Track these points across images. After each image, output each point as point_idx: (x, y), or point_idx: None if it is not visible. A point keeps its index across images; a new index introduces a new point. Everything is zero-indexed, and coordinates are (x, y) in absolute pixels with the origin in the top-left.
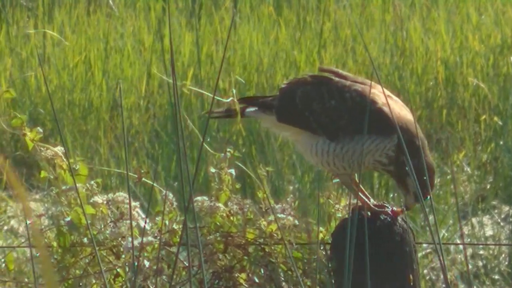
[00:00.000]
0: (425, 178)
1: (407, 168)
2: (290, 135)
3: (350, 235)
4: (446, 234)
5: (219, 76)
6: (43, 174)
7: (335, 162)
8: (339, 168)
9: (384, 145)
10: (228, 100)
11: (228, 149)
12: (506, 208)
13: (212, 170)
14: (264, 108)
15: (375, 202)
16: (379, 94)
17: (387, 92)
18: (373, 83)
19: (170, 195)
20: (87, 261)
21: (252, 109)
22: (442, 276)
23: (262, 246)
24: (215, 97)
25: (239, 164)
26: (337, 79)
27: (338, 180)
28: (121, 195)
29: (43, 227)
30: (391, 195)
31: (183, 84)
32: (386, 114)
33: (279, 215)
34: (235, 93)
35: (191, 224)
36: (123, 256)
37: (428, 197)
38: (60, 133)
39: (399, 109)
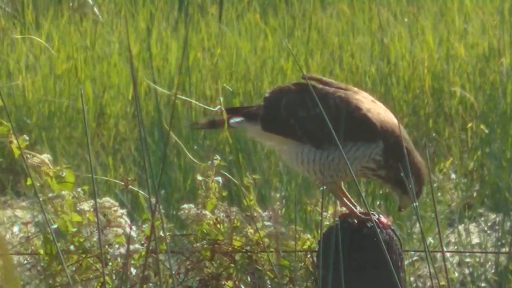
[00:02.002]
0: (418, 177)
1: (402, 174)
2: (275, 144)
3: (336, 243)
4: (433, 242)
5: (177, 82)
6: (29, 181)
7: (322, 170)
8: (327, 176)
9: (370, 151)
10: (216, 109)
11: (215, 158)
12: (492, 216)
13: (199, 178)
14: (249, 118)
15: (361, 210)
16: (363, 99)
17: (371, 97)
18: (356, 89)
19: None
20: (74, 268)
21: (237, 119)
22: (428, 284)
23: (249, 253)
24: (202, 105)
25: (225, 173)
26: (320, 86)
27: (324, 187)
28: (108, 200)
29: (30, 234)
30: (378, 203)
31: (172, 93)
32: (370, 120)
33: (266, 223)
34: (222, 101)
35: (178, 232)
36: (110, 263)
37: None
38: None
39: (384, 113)
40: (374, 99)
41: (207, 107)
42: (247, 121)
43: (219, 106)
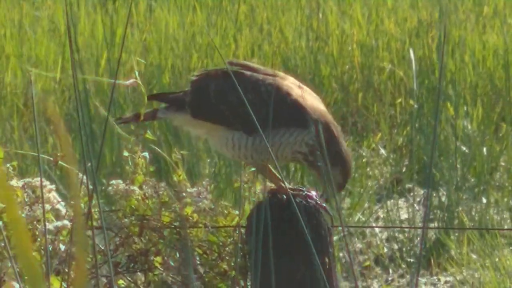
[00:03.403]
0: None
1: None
2: (204, 132)
3: (263, 218)
4: (362, 218)
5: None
6: None
7: (253, 156)
8: (257, 160)
9: (302, 137)
10: (130, 82)
11: (141, 133)
12: (421, 191)
13: (126, 153)
14: (176, 105)
15: (290, 186)
16: (292, 85)
17: (298, 82)
18: (283, 74)
19: (85, 178)
20: (2, 244)
21: (164, 109)
22: (357, 260)
23: (178, 229)
24: (117, 81)
25: (154, 147)
26: (249, 73)
27: (253, 169)
28: (39, 180)
29: None
30: (307, 179)
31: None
32: (302, 106)
33: (194, 199)
34: (137, 74)
35: (107, 207)
36: (38, 239)
37: (347, 181)
38: None
39: (312, 99)
40: (301, 84)
41: (121, 81)
42: (175, 110)
43: (132, 80)
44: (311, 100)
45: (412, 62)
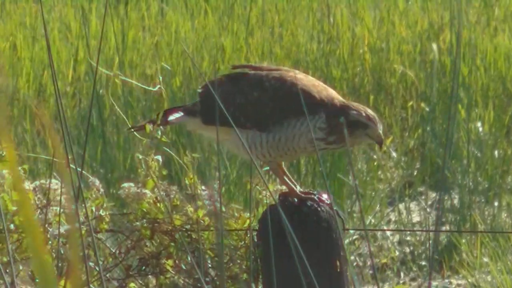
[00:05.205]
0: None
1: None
2: (219, 136)
3: (275, 222)
4: (373, 221)
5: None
6: None
7: (270, 153)
8: (276, 157)
9: (313, 123)
10: (156, 89)
11: (156, 134)
12: (432, 194)
13: (139, 156)
14: (188, 113)
15: (301, 189)
16: (296, 75)
17: (302, 73)
18: (287, 68)
19: (97, 182)
20: (14, 247)
21: (176, 115)
22: (369, 262)
23: (189, 232)
24: (143, 86)
25: (167, 149)
26: (252, 72)
27: (267, 167)
28: (55, 182)
29: None
30: (318, 182)
31: (115, 74)
32: (308, 93)
33: (206, 202)
34: (161, 80)
35: (118, 211)
36: (49, 242)
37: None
38: None
39: (317, 84)
40: (305, 74)
41: (147, 87)
42: (187, 115)
43: (158, 86)
44: (316, 85)
45: (435, 63)
